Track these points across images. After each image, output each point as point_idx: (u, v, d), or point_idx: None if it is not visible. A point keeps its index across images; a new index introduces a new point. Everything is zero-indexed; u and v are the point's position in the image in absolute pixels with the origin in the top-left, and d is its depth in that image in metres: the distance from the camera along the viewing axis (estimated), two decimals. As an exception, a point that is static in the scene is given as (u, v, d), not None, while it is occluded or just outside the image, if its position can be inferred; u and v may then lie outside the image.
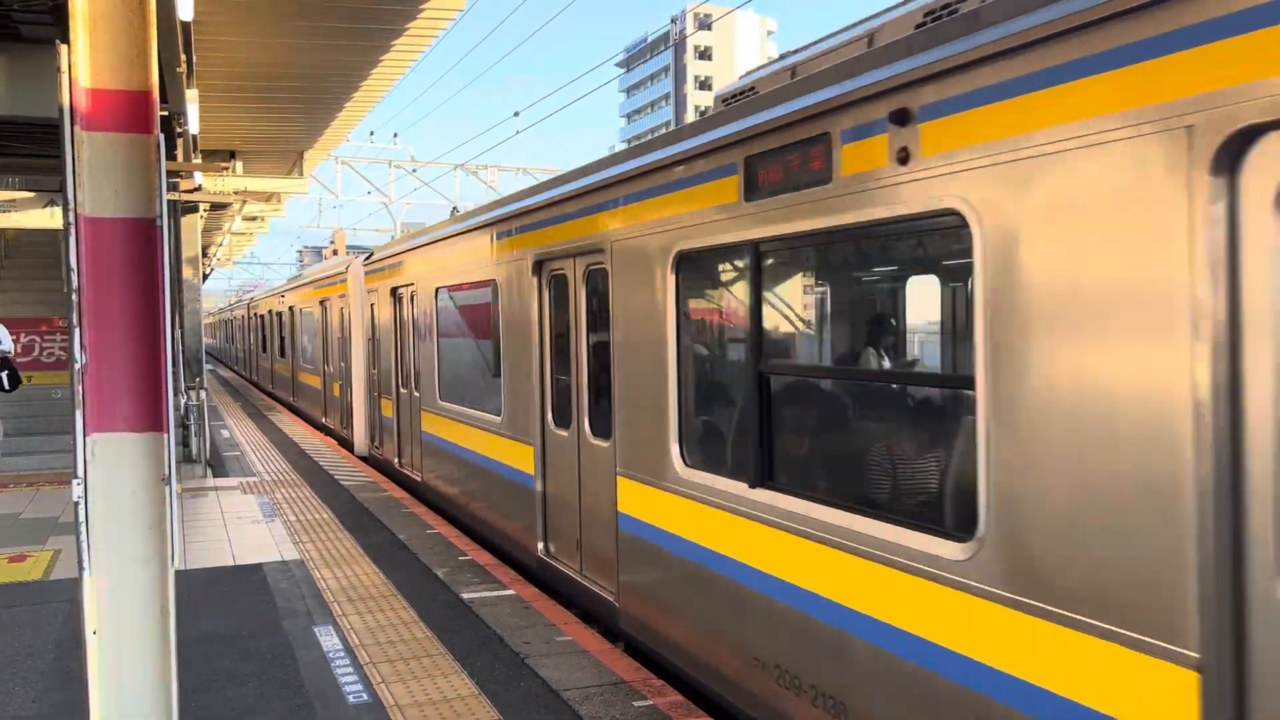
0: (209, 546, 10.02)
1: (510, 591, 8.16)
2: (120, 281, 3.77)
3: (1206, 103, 2.90)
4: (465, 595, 8.06)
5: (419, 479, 12.84)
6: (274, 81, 14.77)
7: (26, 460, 15.02)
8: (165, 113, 12.22)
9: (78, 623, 3.87)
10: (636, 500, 6.70)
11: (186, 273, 20.00)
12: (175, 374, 12.39)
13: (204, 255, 34.14)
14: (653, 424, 6.38)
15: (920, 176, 4.00)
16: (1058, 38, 3.36)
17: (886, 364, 5.31)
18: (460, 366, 11.56)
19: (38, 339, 16.42)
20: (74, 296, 3.71)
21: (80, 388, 3.73)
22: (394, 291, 13.92)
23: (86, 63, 3.70)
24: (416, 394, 12.90)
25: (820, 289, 6.07)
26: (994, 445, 3.72)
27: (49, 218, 14.48)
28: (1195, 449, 2.95)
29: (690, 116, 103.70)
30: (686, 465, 6.06)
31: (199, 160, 17.05)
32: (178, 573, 3.95)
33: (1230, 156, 2.89)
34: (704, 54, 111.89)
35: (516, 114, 31.33)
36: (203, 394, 16.23)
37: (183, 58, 10.44)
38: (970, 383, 3.86)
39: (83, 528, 3.77)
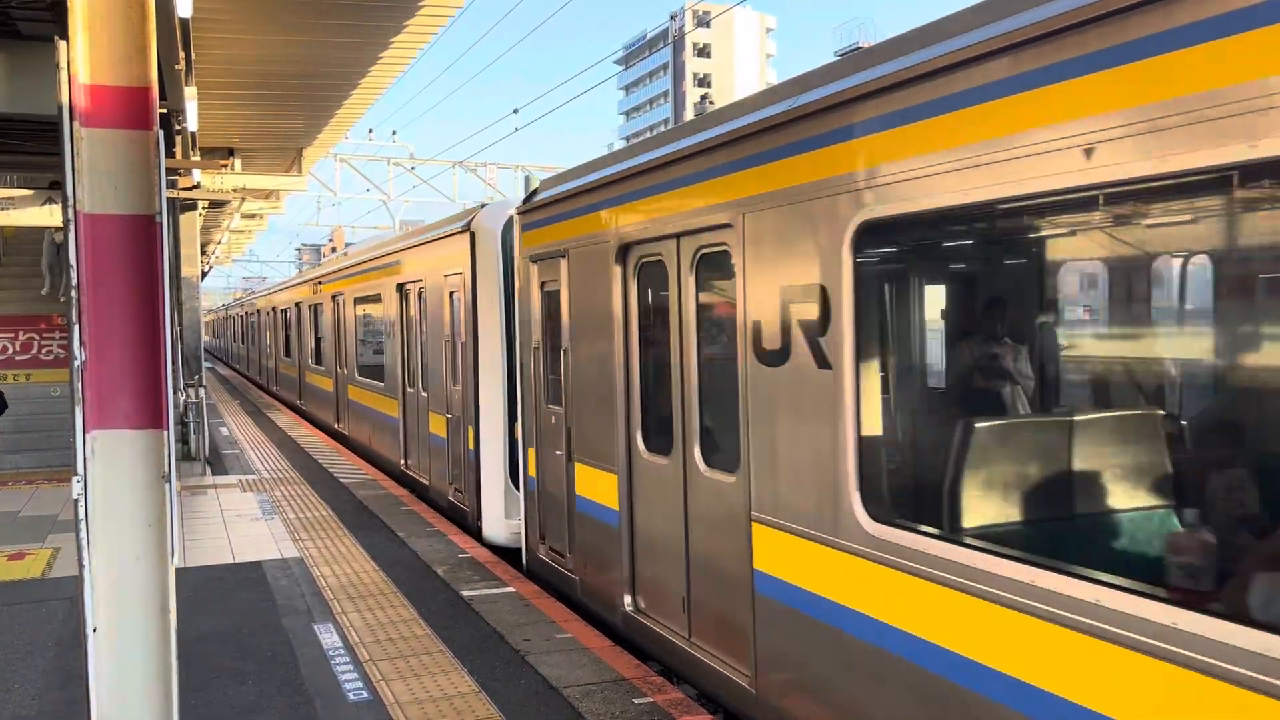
0: (208, 544, 10.01)
1: (510, 589, 8.16)
2: (120, 279, 3.77)
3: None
4: (465, 593, 8.06)
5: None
6: (273, 79, 14.74)
7: (26, 458, 15.01)
8: (164, 110, 12.21)
9: (78, 620, 3.87)
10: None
11: (186, 270, 19.97)
12: (174, 371, 12.37)
13: (203, 253, 34.12)
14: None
15: None
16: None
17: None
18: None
19: (36, 337, 16.40)
20: (73, 293, 3.70)
21: (80, 385, 3.72)
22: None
23: (85, 59, 3.69)
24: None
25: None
26: None
27: (48, 215, 14.45)
28: None
29: (689, 114, 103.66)
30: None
31: (198, 158, 17.02)
32: (177, 570, 3.95)
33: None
34: (703, 51, 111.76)
35: (516, 111, 31.26)
36: (202, 391, 16.22)
37: (181, 55, 10.42)
38: None
39: (82, 525, 3.76)
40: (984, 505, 4.19)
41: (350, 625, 7.27)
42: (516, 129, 32.52)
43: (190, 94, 11.75)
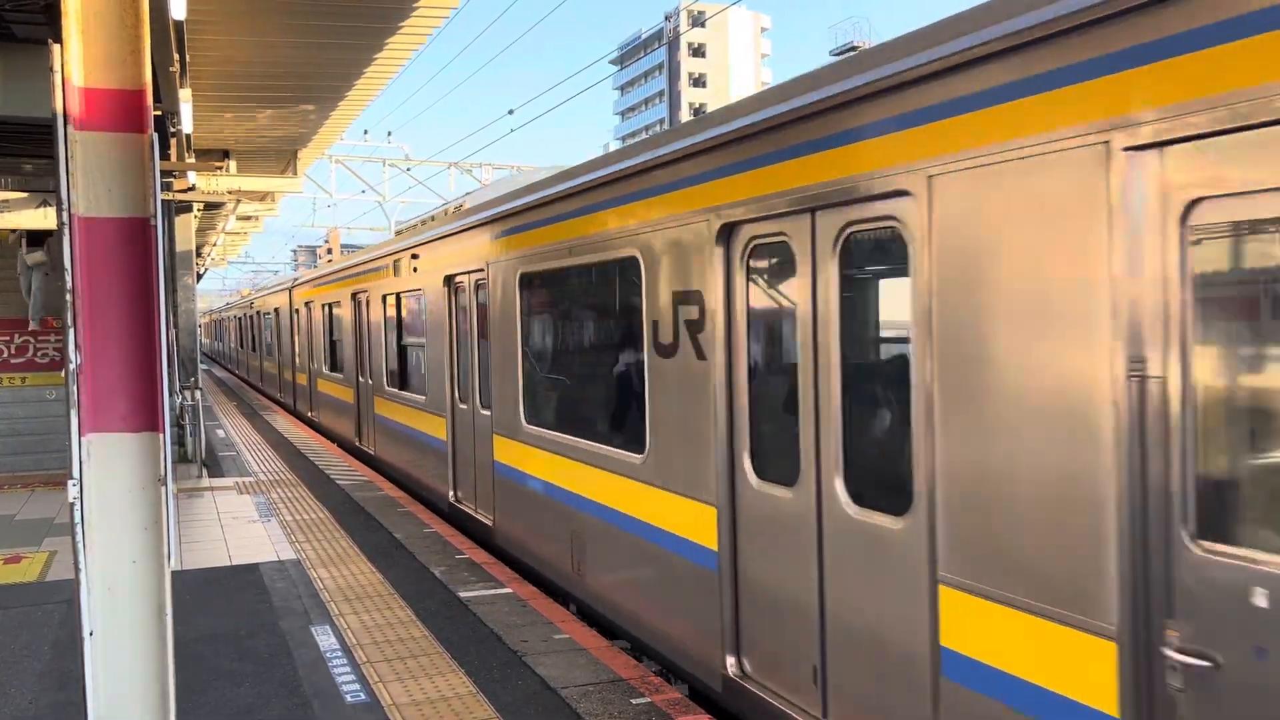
0: (205, 546, 10.01)
1: (507, 590, 8.16)
2: (115, 281, 3.77)
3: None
4: (462, 594, 8.06)
5: None
6: (268, 80, 14.72)
7: (22, 461, 14.99)
8: (159, 112, 12.20)
9: (74, 623, 3.86)
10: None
11: (181, 273, 19.94)
12: (170, 374, 12.36)
13: (198, 255, 34.07)
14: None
15: None
16: None
17: None
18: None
19: (31, 340, 16.36)
20: (69, 296, 3.70)
21: (75, 388, 3.72)
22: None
23: (79, 62, 3.69)
24: None
25: None
26: None
27: (42, 218, 14.43)
28: None
29: (685, 114, 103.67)
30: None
31: (193, 160, 17.00)
32: (174, 573, 3.94)
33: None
34: (698, 51, 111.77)
35: (511, 112, 31.25)
36: (198, 394, 16.20)
37: (176, 57, 10.41)
38: None
39: (78, 528, 3.76)
40: None
41: (347, 627, 7.27)
42: (512, 130, 32.64)
43: (185, 96, 11.74)
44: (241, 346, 41.99)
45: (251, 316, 36.57)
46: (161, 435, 3.83)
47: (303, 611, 7.69)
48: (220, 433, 20.57)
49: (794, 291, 5.04)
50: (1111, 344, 3.29)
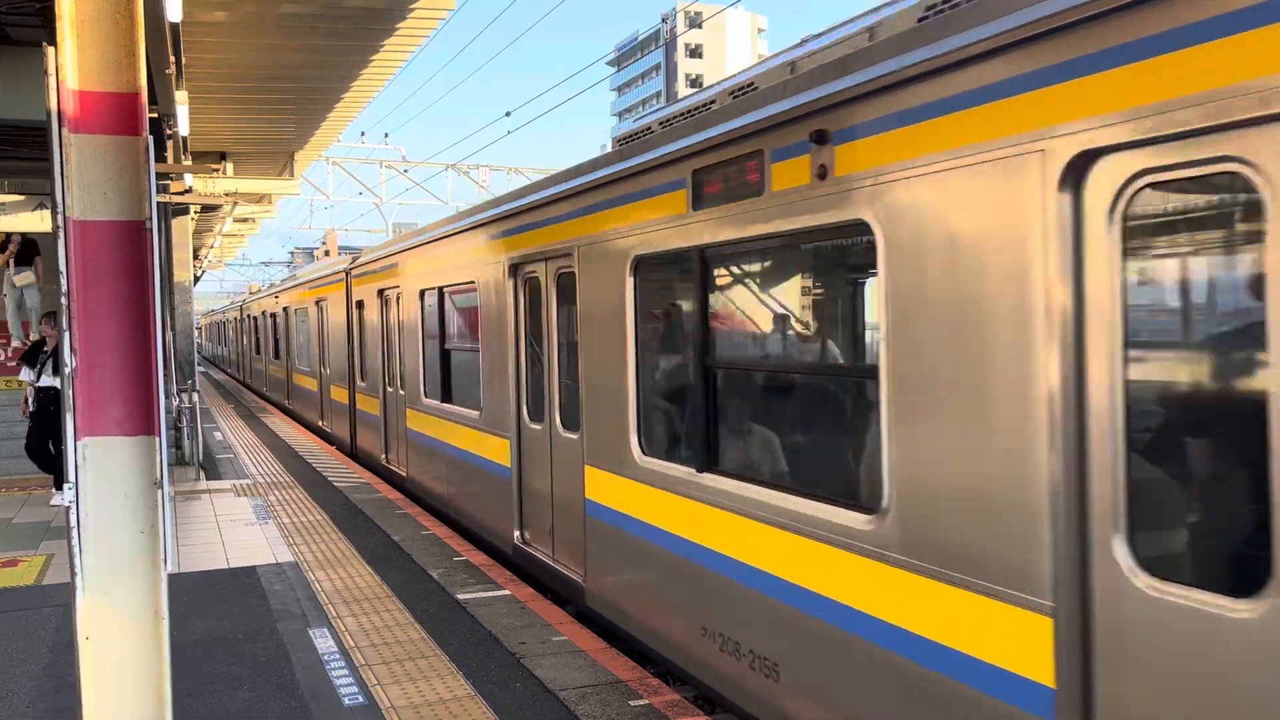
0: (202, 549, 9.99)
1: (505, 592, 8.15)
2: (111, 285, 3.75)
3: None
4: (460, 596, 8.05)
5: None
6: (264, 82, 14.73)
7: (19, 464, 14.94)
8: (154, 115, 12.19)
9: (71, 627, 3.85)
10: None
11: (178, 275, 19.94)
12: (167, 377, 12.34)
13: (195, 258, 34.02)
14: None
15: None
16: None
17: None
18: None
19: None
20: (64, 300, 3.69)
21: (71, 391, 3.71)
22: None
23: (74, 65, 3.68)
24: None
25: None
26: None
27: (39, 221, 14.42)
28: None
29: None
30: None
31: (189, 162, 17.00)
32: (171, 576, 3.93)
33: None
34: (695, 52, 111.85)
35: (508, 114, 31.28)
36: (195, 396, 16.18)
37: (171, 59, 10.41)
38: None
39: (75, 532, 3.75)
40: None
41: (345, 629, 7.26)
42: (509, 132, 32.54)
43: (181, 99, 11.74)
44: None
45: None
46: (158, 439, 3.82)
47: (300, 614, 7.68)
48: (218, 435, 20.56)
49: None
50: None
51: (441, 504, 11.62)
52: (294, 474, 15.06)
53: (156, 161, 3.87)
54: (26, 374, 12.63)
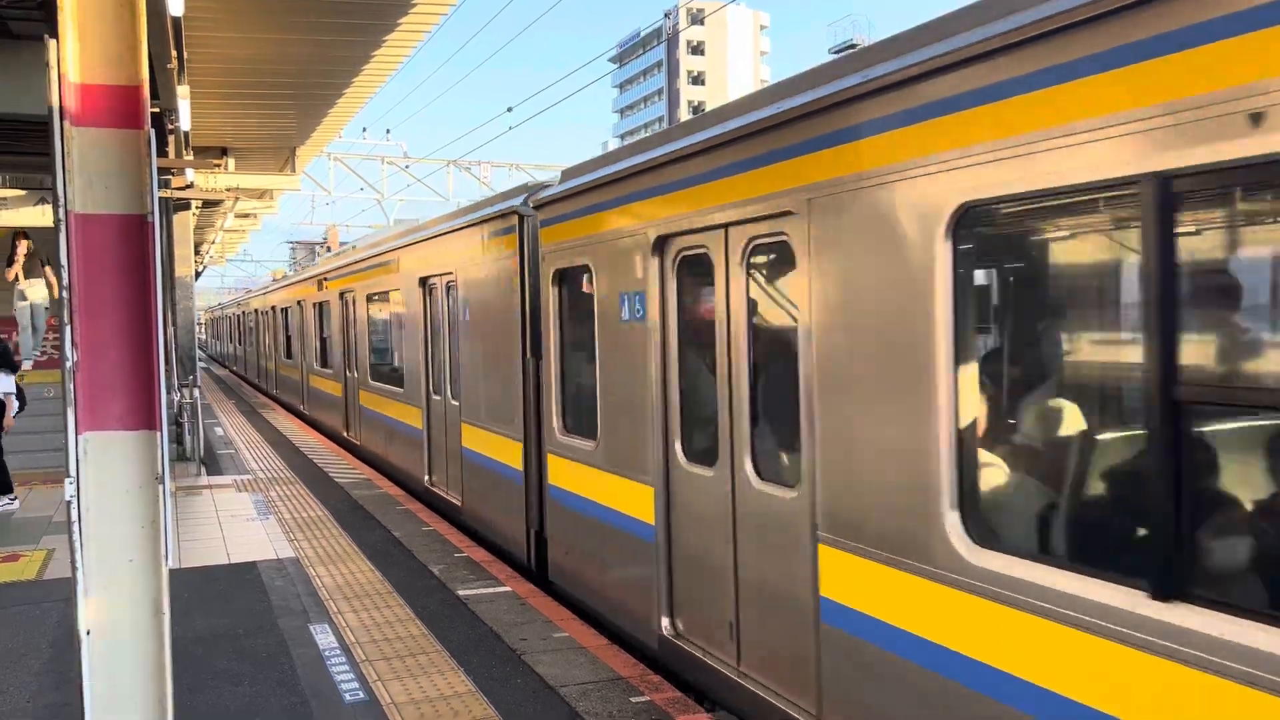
0: (203, 545, 9.99)
1: (506, 588, 8.15)
2: (112, 279, 3.74)
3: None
4: (461, 592, 8.04)
5: None
6: (266, 77, 14.70)
7: (19, 459, 14.94)
8: (156, 109, 12.17)
9: (72, 623, 3.84)
10: None
11: (179, 270, 19.92)
12: (168, 372, 12.31)
13: (196, 253, 34.01)
14: None
15: None
16: None
17: None
18: None
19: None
20: (65, 294, 3.68)
21: (72, 386, 3.70)
22: None
23: (76, 58, 3.66)
24: None
25: None
26: None
27: (41, 215, 14.42)
28: None
29: (684, 112, 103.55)
30: None
31: (191, 157, 16.97)
32: (172, 571, 3.93)
33: None
34: (697, 49, 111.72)
35: (510, 109, 31.24)
36: (196, 392, 16.17)
37: (173, 53, 10.39)
38: None
39: (76, 527, 3.74)
40: None
41: (346, 625, 7.25)
42: (511, 127, 32.52)
43: (183, 93, 11.71)
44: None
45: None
46: (159, 433, 3.81)
47: (301, 610, 7.67)
48: (219, 431, 20.55)
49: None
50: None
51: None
52: (295, 469, 15.06)
53: (158, 156, 3.86)
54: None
